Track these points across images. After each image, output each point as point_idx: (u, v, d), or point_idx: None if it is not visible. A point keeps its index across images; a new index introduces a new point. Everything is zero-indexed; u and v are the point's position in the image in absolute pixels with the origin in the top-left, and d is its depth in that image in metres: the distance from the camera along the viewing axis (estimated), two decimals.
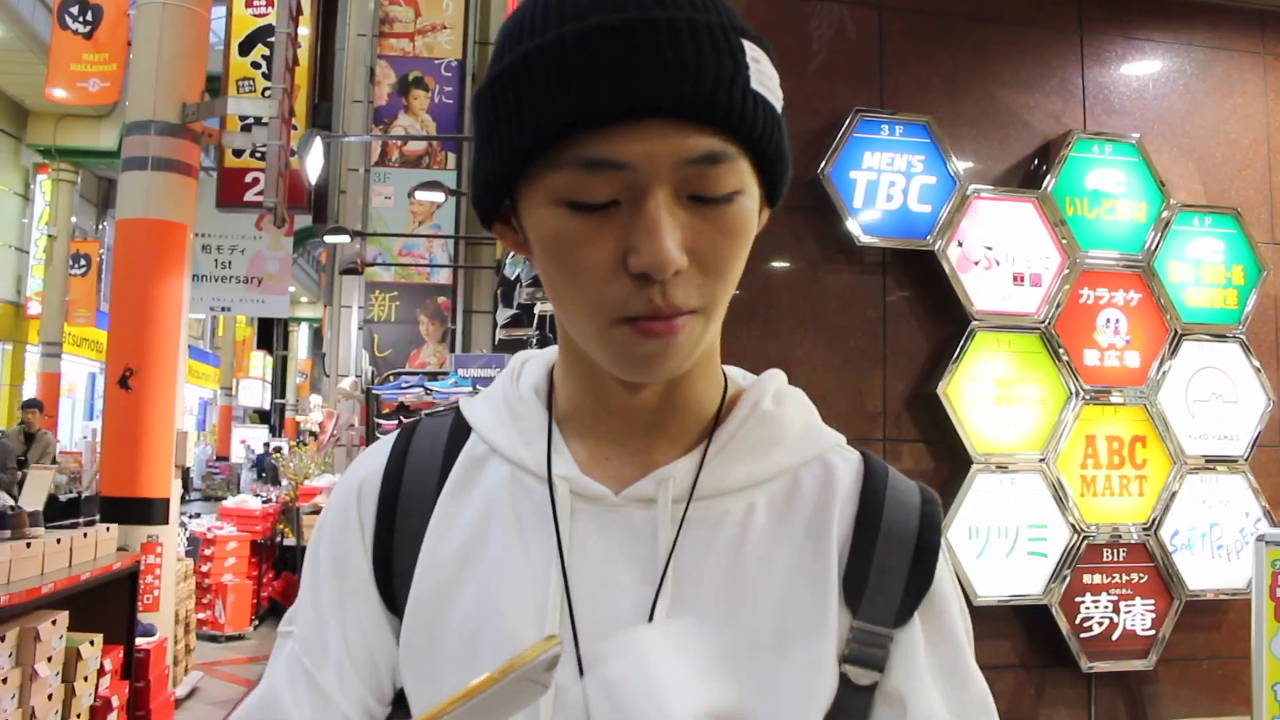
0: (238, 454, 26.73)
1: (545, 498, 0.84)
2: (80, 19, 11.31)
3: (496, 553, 0.84)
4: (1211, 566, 3.17)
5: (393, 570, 0.86)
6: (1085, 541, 3.00)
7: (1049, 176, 3.11)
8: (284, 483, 12.02)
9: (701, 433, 0.86)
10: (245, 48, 11.16)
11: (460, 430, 0.91)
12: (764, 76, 0.74)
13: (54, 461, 10.37)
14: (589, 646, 0.79)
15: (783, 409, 0.88)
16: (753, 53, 0.74)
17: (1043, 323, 3.05)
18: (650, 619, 0.79)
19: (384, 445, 0.93)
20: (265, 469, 21.28)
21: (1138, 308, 3.18)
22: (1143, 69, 3.36)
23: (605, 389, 0.84)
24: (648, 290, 0.72)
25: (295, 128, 8.38)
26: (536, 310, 4.73)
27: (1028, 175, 3.19)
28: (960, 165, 3.05)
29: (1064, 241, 3.09)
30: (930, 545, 0.83)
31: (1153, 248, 3.20)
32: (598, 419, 0.86)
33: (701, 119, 0.70)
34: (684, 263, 0.71)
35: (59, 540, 3.79)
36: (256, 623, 9.67)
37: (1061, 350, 3.06)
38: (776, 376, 0.91)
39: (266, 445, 25.61)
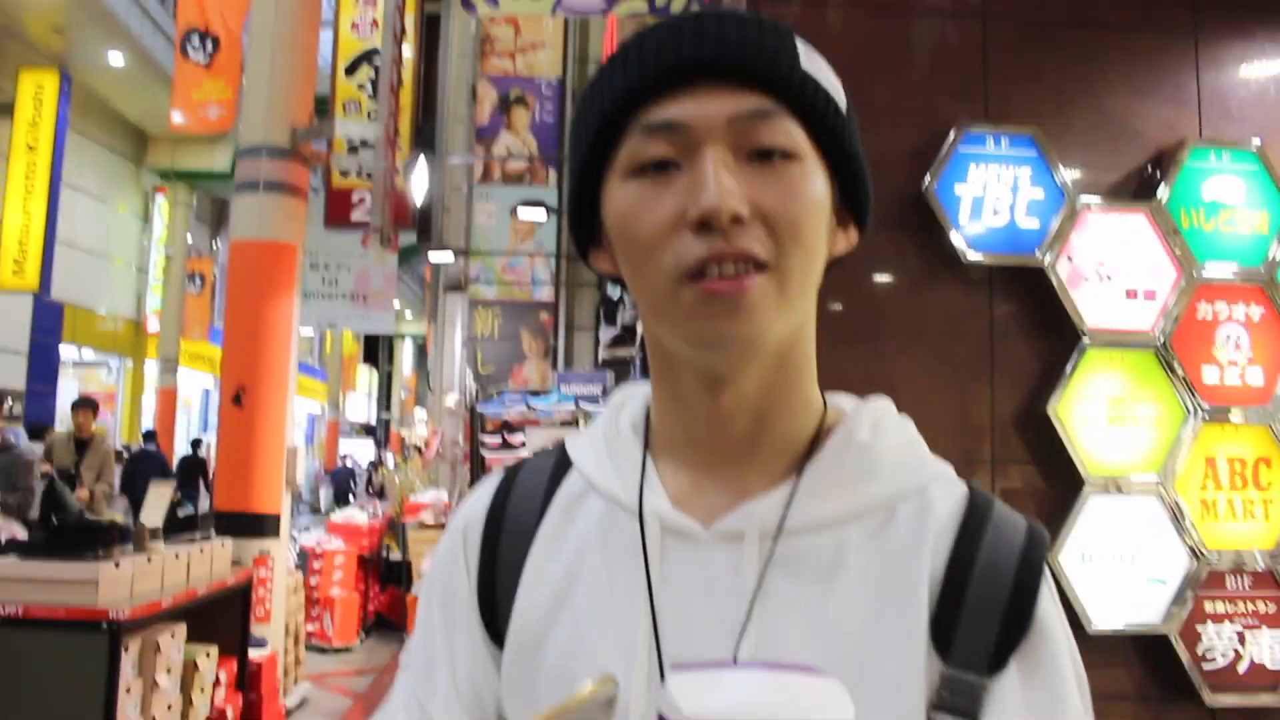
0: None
1: (637, 534, 0.83)
2: (200, 48, 11.74)
3: (588, 591, 0.84)
4: None
5: (495, 606, 0.88)
6: (1207, 568, 2.88)
7: (1163, 187, 3.01)
8: (388, 499, 12.27)
9: (794, 463, 0.83)
10: (351, 70, 11.45)
11: (562, 466, 0.92)
12: (818, 67, 0.80)
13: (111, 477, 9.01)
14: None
15: (880, 439, 0.84)
16: (806, 48, 0.80)
17: (1158, 339, 2.95)
18: (735, 660, 0.77)
19: (490, 484, 0.95)
20: (342, 484, 21.00)
21: (1260, 323, 3.05)
22: (1263, 71, 3.22)
23: (690, 405, 0.83)
24: (709, 237, 0.74)
25: (400, 148, 8.56)
26: (639, 330, 4.73)
27: (1140, 186, 3.08)
28: (1069, 177, 2.97)
29: (1179, 254, 2.98)
30: (1027, 587, 0.79)
31: (1276, 260, 3.06)
32: (688, 447, 0.85)
33: (748, 81, 0.76)
34: (743, 210, 0.74)
35: (177, 555, 3.92)
36: (363, 636, 9.87)
37: (1178, 367, 2.95)
38: (878, 403, 0.89)
39: (344, 459, 24.70)
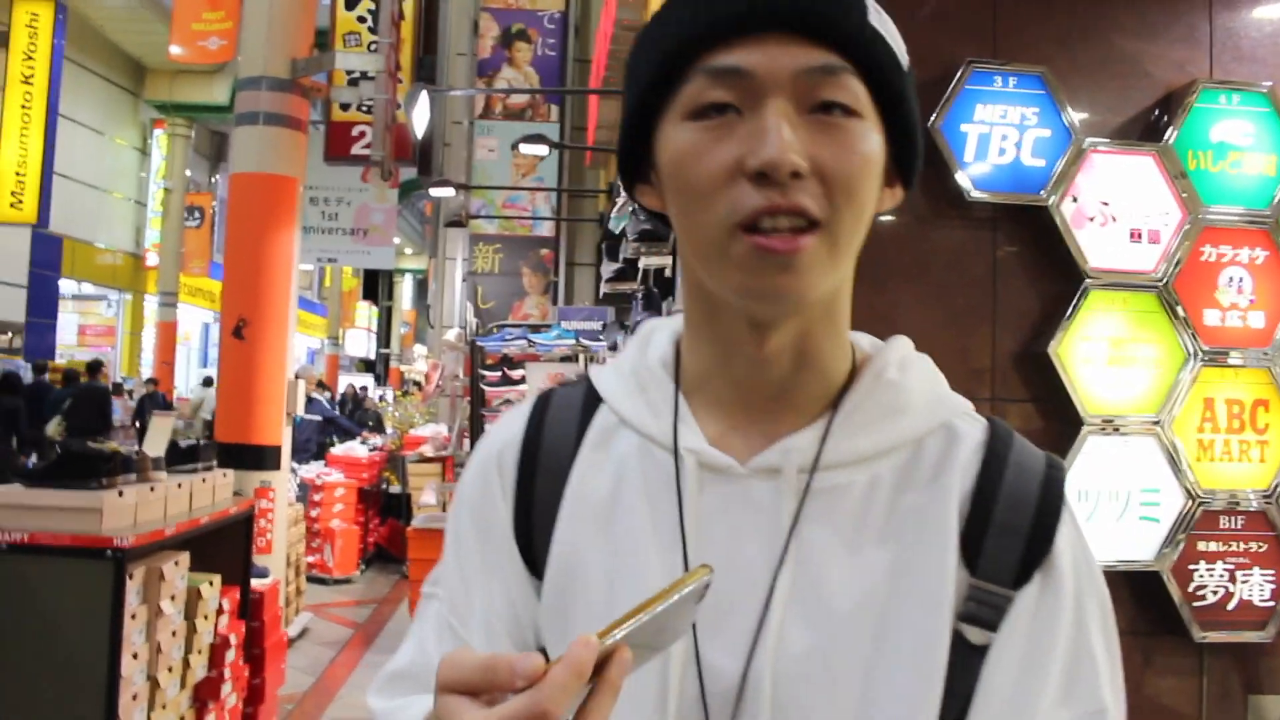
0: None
1: (672, 470, 0.85)
2: None
3: (626, 523, 0.86)
4: None
5: (532, 535, 0.90)
6: (1201, 508, 2.91)
7: (1171, 129, 2.99)
8: (389, 430, 12.31)
9: (827, 402, 0.86)
10: (351, 2, 11.29)
11: (592, 400, 0.93)
12: (885, 24, 0.81)
13: None
14: (711, 620, 0.81)
15: (907, 377, 0.87)
16: (874, 2, 0.81)
17: (1160, 281, 2.95)
18: (772, 590, 0.80)
19: (522, 413, 0.96)
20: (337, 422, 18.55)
21: (1264, 266, 3.05)
22: (1277, 11, 3.19)
23: (732, 348, 0.84)
24: (766, 189, 0.74)
25: (401, 81, 8.47)
26: (641, 265, 4.72)
27: (1147, 127, 3.06)
28: (1076, 117, 2.95)
29: (1185, 196, 2.98)
30: (1051, 509, 0.83)
31: None
32: (725, 387, 0.87)
33: (817, 34, 0.76)
34: (803, 165, 0.74)
35: (179, 485, 3.94)
36: (363, 567, 9.97)
37: (1180, 309, 2.95)
38: (901, 343, 0.91)
39: (331, 396, 22.04)
